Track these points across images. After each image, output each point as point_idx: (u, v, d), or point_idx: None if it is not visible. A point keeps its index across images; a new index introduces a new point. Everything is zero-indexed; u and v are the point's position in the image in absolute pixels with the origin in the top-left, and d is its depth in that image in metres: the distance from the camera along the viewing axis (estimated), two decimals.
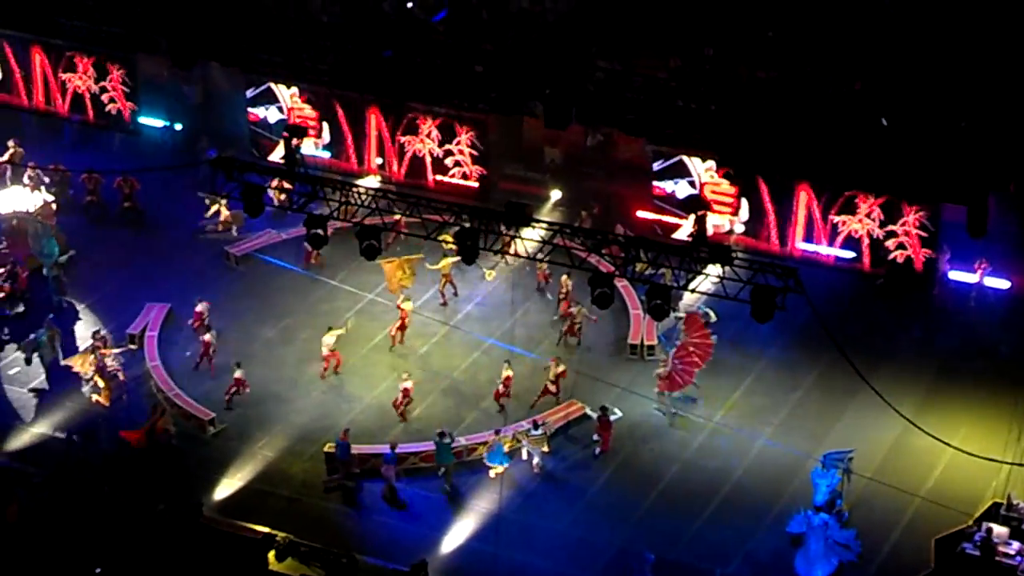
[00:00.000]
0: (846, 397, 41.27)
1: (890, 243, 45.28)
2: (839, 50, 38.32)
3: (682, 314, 44.13)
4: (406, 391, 41.72)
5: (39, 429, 41.87)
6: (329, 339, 43.46)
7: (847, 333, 40.53)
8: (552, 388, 41.83)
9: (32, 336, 43.59)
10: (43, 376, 43.48)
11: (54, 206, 49.98)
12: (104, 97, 54.05)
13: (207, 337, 44.04)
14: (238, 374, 42.46)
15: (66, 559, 34.61)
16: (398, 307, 44.46)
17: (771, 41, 38.82)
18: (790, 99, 36.72)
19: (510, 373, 41.87)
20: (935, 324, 44.86)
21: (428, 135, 50.45)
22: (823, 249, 45.90)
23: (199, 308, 45.23)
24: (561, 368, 41.90)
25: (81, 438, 41.11)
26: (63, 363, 43.23)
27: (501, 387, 41.85)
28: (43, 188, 50.48)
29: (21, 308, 46.61)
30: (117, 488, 38.42)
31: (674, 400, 41.52)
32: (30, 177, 50.78)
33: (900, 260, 45.17)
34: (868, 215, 45.37)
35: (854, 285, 45.85)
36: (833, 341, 35.49)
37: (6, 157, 52.02)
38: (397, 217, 39.86)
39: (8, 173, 51.91)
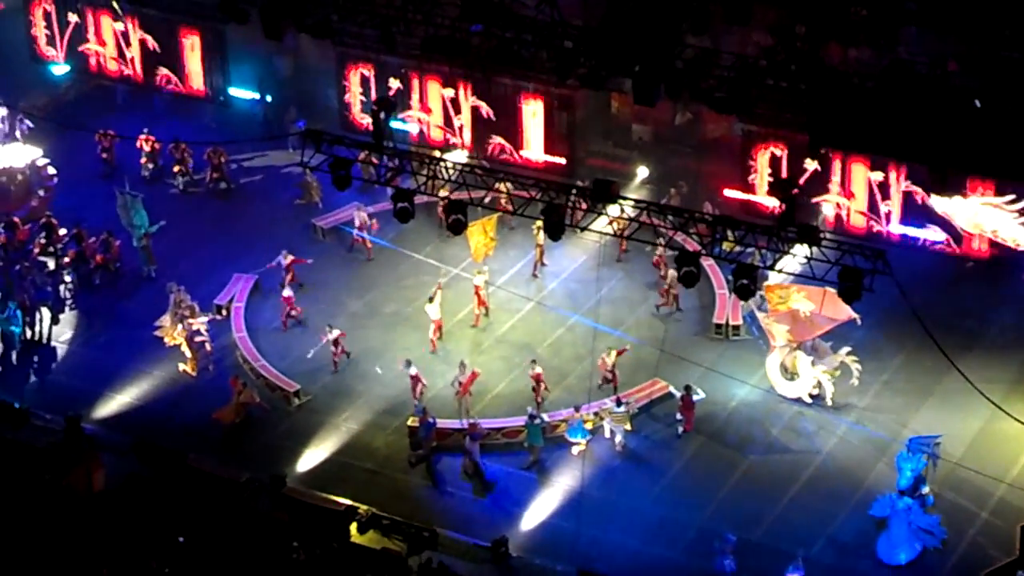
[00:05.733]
0: (933, 381, 40.90)
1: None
2: (933, 29, 37.86)
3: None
4: (537, 376, 41.37)
5: (126, 398, 42.31)
6: (432, 309, 43.53)
7: (935, 316, 39.98)
8: (608, 376, 41.58)
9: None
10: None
11: (46, 165, 50.37)
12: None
13: (288, 293, 44.36)
14: (333, 334, 42.73)
15: (150, 527, 34.88)
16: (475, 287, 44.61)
17: (863, 20, 38.39)
18: (882, 79, 36.30)
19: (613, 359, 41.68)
20: None
21: None
22: (912, 231, 45.34)
23: (288, 260, 45.69)
24: (614, 357, 41.61)
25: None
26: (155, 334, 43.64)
27: (608, 372, 41.68)
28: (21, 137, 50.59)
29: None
30: (202, 458, 38.74)
31: None
32: (21, 132, 50.71)
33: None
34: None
35: (944, 268, 45.34)
36: (921, 324, 35.13)
37: None
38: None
39: (4, 129, 51.41)
